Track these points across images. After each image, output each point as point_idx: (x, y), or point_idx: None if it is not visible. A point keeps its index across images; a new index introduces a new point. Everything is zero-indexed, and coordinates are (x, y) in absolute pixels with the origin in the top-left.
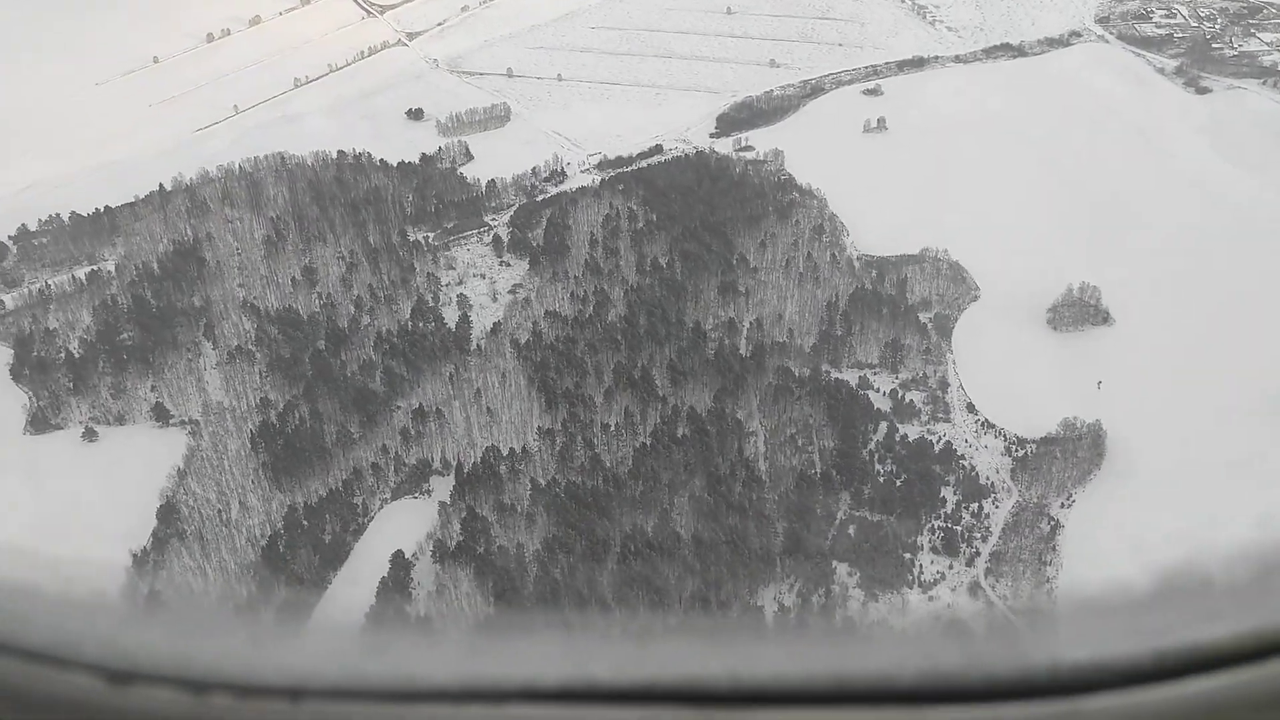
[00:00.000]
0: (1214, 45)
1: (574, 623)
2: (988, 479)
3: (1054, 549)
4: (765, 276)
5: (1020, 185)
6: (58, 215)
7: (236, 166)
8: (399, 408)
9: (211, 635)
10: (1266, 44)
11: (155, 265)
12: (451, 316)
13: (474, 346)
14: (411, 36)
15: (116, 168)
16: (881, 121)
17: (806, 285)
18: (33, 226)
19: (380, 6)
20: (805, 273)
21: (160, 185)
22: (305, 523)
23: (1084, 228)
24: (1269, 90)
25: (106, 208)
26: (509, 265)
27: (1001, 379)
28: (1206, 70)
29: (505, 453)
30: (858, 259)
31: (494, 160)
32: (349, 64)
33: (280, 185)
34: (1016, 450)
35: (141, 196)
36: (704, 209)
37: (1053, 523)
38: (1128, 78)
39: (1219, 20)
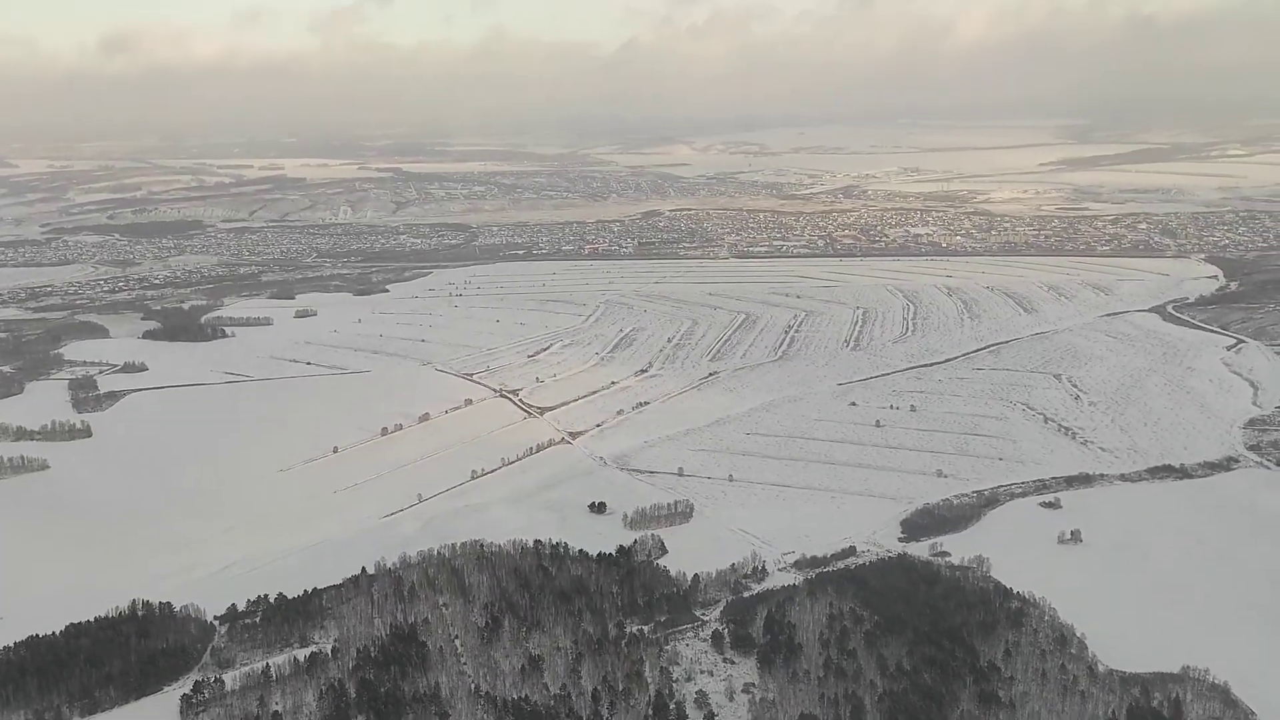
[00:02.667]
0: None
1: None
2: None
3: None
4: (1024, 687)
5: (1254, 607)
6: (265, 596)
7: (435, 552)
8: None
9: None
10: None
11: (373, 649)
12: (694, 715)
13: None
14: (574, 435)
15: (313, 550)
16: (1076, 534)
17: (1073, 699)
18: (240, 606)
19: (539, 408)
20: (1067, 686)
21: (363, 569)
22: None
23: None
24: None
25: (314, 589)
26: (733, 663)
27: None
28: None
29: None
30: (1110, 674)
31: (687, 555)
32: (519, 459)
33: (482, 572)
34: None
35: (344, 579)
36: (929, 613)
37: None
38: None
39: None
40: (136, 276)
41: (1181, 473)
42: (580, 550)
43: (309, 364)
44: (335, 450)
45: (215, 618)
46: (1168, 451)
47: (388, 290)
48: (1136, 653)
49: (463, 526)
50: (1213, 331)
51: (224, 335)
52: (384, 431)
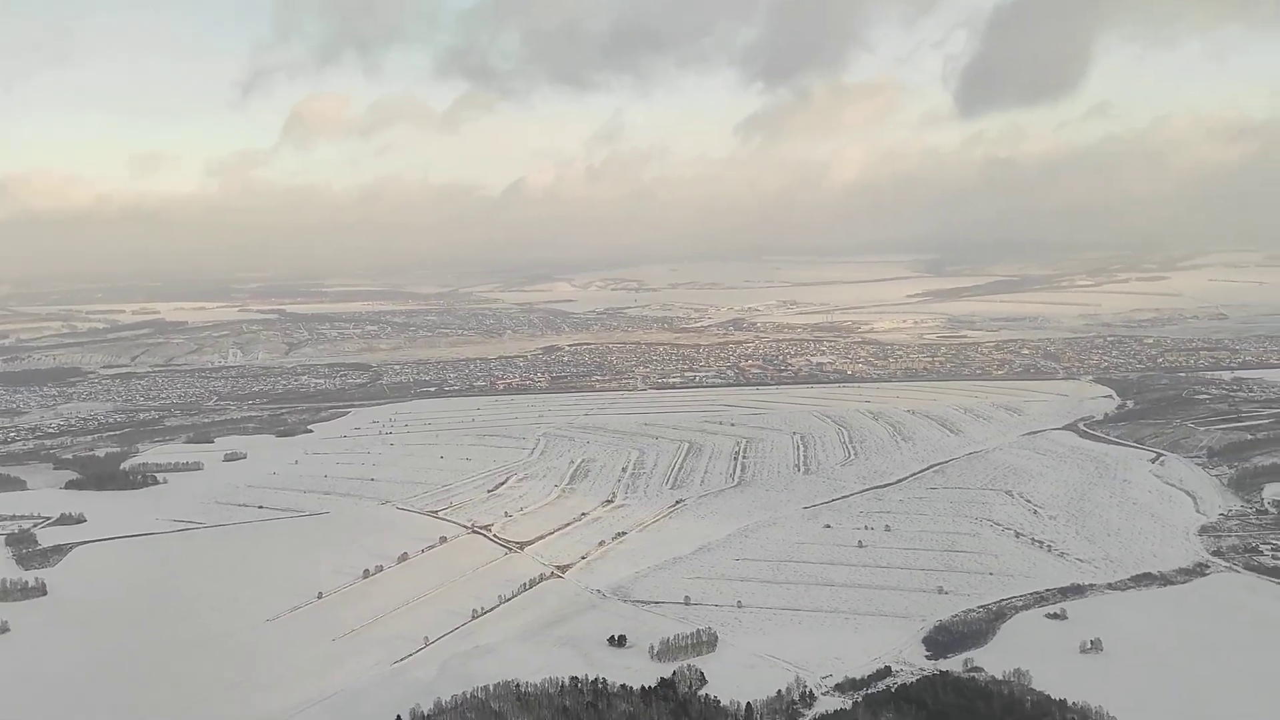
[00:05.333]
0: None
1: None
2: None
3: None
4: None
5: None
6: None
7: (468, 695)
8: None
9: None
10: None
11: None
12: None
13: None
14: (562, 569)
15: (332, 701)
16: (1096, 643)
17: None
18: None
19: (518, 543)
20: None
21: (397, 716)
22: None
23: None
24: None
25: None
26: None
27: None
28: None
29: None
30: None
31: (727, 684)
32: (515, 595)
33: (526, 714)
34: None
35: None
36: None
37: None
38: None
39: None
40: (27, 426)
41: (1163, 580)
42: (621, 685)
43: (260, 507)
44: (320, 596)
45: None
46: (1141, 560)
47: (311, 430)
48: None
49: (483, 668)
50: (1131, 446)
51: (156, 482)
52: (365, 574)
